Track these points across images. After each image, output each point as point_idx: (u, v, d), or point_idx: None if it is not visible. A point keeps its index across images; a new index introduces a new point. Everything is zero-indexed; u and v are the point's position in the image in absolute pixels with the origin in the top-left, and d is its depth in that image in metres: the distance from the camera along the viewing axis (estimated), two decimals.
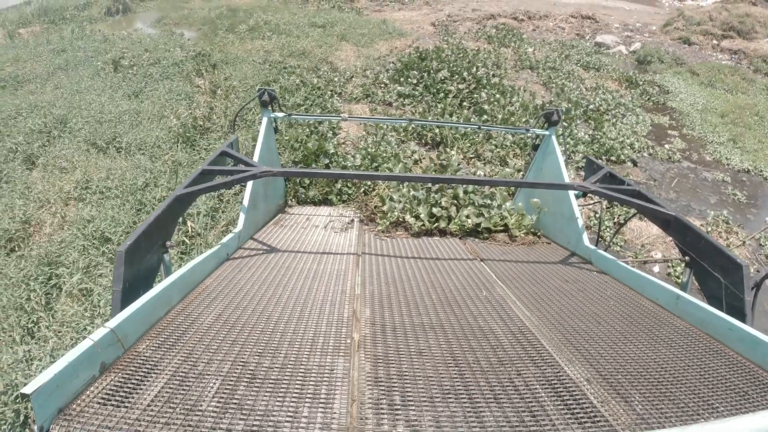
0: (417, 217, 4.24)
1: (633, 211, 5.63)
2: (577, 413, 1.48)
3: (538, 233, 4.09)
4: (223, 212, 5.16)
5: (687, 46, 14.94)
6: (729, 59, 13.96)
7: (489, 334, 2.02)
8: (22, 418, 3.06)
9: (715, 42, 14.97)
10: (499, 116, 7.98)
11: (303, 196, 5.36)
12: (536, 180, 4.43)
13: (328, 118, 7.15)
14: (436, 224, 4.20)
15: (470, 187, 4.54)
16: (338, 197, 5.41)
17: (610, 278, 2.84)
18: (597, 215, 5.84)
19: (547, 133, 4.34)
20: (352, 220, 4.21)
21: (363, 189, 5.40)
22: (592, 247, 3.23)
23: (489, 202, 4.55)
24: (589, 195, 3.67)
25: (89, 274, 4.29)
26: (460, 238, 3.92)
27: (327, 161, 6.08)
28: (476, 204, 4.49)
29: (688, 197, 6.90)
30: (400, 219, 4.25)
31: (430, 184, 4.46)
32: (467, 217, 4.22)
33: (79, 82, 9.34)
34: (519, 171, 6.52)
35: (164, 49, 11.08)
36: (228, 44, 12.06)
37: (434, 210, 4.29)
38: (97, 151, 6.39)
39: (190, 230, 4.83)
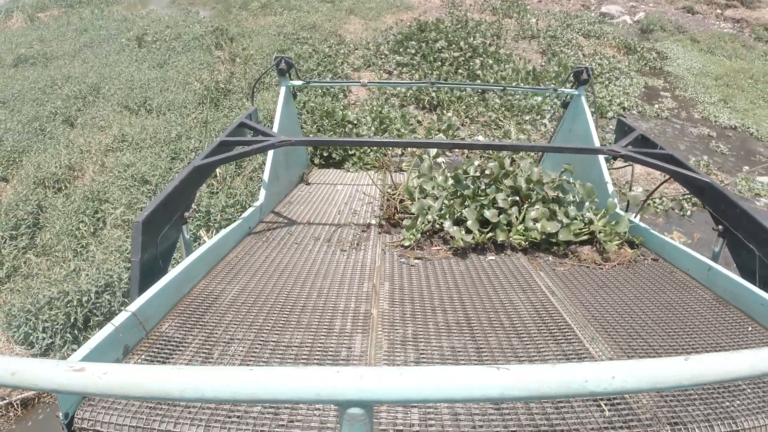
0: (461, 223, 2.84)
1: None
2: None
3: (637, 241, 2.80)
4: (249, 162, 5.80)
5: (690, 15, 15.15)
6: (731, 28, 14.17)
7: (509, 308, 1.99)
8: (72, 319, 3.62)
9: (718, 11, 15.17)
10: (491, 81, 8.54)
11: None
12: (565, 142, 4.22)
13: (348, 84, 7.58)
14: (490, 234, 2.82)
15: (535, 176, 3.12)
16: (359, 159, 5.88)
17: (642, 247, 2.73)
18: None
19: (576, 92, 4.18)
20: (369, 225, 3.17)
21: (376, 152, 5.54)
22: (623, 213, 2.95)
23: (561, 195, 3.07)
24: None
25: (131, 208, 4.99)
26: (524, 253, 2.77)
27: (350, 126, 6.60)
28: (546, 200, 3.03)
29: (671, 148, 7.37)
30: (437, 226, 2.92)
31: (478, 173, 3.34)
32: (535, 221, 2.85)
33: (106, 57, 10.02)
34: (522, 133, 7.02)
35: (184, 25, 11.71)
36: (242, 21, 12.63)
37: (486, 213, 2.89)
38: (130, 113, 7.10)
39: (218, 175, 5.49)
